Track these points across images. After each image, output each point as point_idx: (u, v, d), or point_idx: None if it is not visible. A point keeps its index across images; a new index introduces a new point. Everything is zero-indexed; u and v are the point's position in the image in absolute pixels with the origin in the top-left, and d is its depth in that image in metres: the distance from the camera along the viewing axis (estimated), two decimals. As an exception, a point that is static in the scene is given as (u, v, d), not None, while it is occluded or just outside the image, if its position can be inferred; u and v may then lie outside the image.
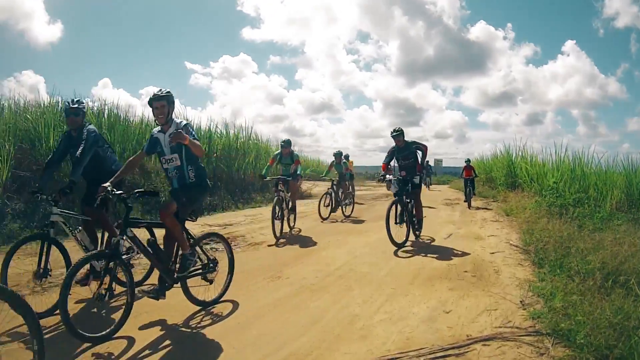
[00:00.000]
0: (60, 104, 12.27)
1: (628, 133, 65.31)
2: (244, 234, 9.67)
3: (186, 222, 4.86)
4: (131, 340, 4.06)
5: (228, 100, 70.16)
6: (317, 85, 76.21)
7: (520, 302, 5.07)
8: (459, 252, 7.90)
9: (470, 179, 17.45)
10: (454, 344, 4.01)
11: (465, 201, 17.07)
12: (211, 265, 5.13)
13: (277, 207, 9.29)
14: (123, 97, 52.52)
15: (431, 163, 34.69)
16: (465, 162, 18.42)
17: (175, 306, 4.88)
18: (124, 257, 4.59)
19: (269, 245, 8.57)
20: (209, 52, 78.49)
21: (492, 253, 7.83)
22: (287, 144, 10.64)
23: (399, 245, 8.19)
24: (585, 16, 61.34)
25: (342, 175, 14.50)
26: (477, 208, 16.00)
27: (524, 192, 16.31)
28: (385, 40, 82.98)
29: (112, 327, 4.05)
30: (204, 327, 4.48)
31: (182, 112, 19.70)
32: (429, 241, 9.11)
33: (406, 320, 4.61)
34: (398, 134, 8.62)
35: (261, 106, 71.39)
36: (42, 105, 12.33)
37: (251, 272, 6.46)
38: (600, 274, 5.11)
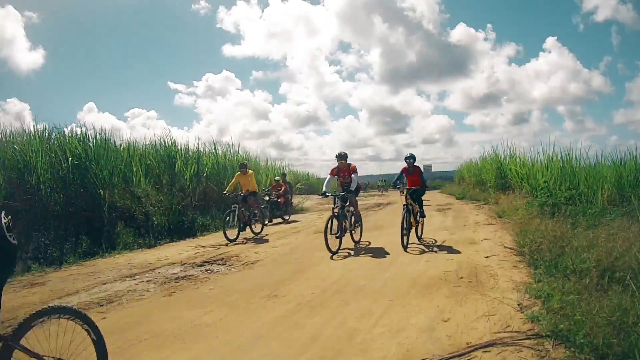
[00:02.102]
0: (46, 133, 12.31)
1: (615, 125, 66.10)
2: (238, 253, 9.60)
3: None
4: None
5: (213, 118, 70.44)
6: (301, 98, 76.66)
7: (518, 305, 5.05)
8: (454, 259, 7.89)
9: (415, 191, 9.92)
10: (455, 352, 3.98)
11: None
12: None
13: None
14: (109, 121, 52.63)
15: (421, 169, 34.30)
16: (409, 158, 10.22)
17: None
18: None
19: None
20: (192, 71, 78.88)
21: (487, 257, 7.83)
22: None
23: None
24: (564, 12, 62.32)
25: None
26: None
27: (515, 193, 16.33)
28: (366, 49, 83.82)
29: None
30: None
31: (168, 133, 19.71)
32: (423, 249, 9.05)
33: (405, 332, 4.57)
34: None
35: (247, 122, 71.68)
36: (29, 132, 12.39)
37: (247, 292, 6.40)
38: (596, 272, 5.10)
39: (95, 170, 11.46)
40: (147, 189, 13.07)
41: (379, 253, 8.65)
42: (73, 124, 13.59)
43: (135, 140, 15.96)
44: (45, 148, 11.24)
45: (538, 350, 3.85)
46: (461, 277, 6.57)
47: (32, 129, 12.55)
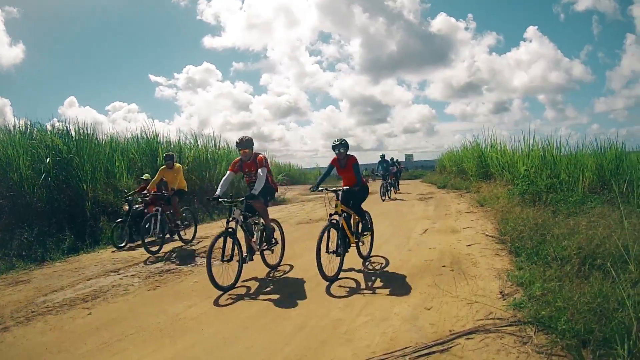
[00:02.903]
0: (28, 128, 12.14)
1: (596, 114, 67.07)
2: (221, 246, 9.47)
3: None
4: None
5: (194, 110, 70.00)
6: (282, 89, 76.46)
7: (500, 292, 5.09)
8: (436, 247, 7.93)
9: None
10: (438, 340, 4.00)
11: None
12: None
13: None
14: (90, 115, 52.00)
15: (401, 159, 33.96)
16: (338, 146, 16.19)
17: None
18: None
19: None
20: (172, 63, 78.18)
21: (469, 245, 7.87)
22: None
23: None
24: (545, 1, 62.87)
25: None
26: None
27: (497, 181, 16.44)
28: (346, 39, 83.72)
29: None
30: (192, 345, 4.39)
31: (149, 125, 19.46)
32: (405, 239, 9.05)
33: (388, 321, 4.58)
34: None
35: (228, 114, 71.42)
36: (11, 129, 12.30)
37: (231, 284, 6.36)
38: (577, 259, 5.14)
39: (77, 165, 11.28)
40: (129, 182, 12.96)
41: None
42: (55, 119, 13.45)
43: (118, 134, 15.82)
44: (27, 144, 11.09)
45: (520, 336, 3.88)
46: (443, 266, 6.61)
47: (13, 125, 12.47)
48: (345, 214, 6.77)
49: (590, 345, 3.35)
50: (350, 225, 6.84)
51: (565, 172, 12.21)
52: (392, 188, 20.55)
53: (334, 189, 6.89)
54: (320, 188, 6.94)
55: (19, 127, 12.33)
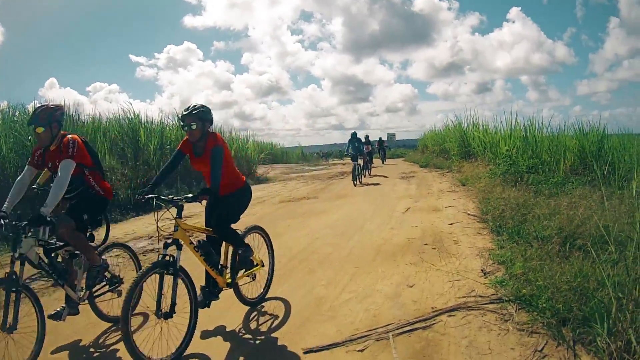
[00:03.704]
0: (10, 110, 11.95)
1: (579, 96, 67.69)
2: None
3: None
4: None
5: (176, 90, 69.19)
6: (263, 68, 75.80)
7: (482, 270, 5.14)
8: (418, 226, 7.95)
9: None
10: (420, 317, 4.04)
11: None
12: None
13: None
14: (71, 96, 51.12)
15: (384, 137, 34.28)
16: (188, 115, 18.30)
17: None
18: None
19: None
20: (153, 43, 77.10)
21: (451, 224, 7.92)
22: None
23: None
24: (529, -18, 62.67)
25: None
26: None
27: (478, 161, 16.53)
28: (328, 18, 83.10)
29: None
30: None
31: (130, 106, 19.13)
32: (388, 217, 9.10)
33: (371, 298, 4.62)
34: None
35: (209, 93, 70.88)
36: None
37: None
38: (557, 239, 5.21)
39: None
40: (112, 163, 12.75)
41: (345, 222, 8.68)
42: (35, 100, 13.05)
43: (99, 115, 15.56)
44: (8, 126, 10.89)
45: (501, 314, 3.93)
46: (425, 244, 6.64)
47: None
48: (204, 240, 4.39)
49: (570, 324, 3.41)
50: (213, 257, 4.30)
51: (547, 153, 12.30)
52: (364, 170, 18.54)
53: (173, 198, 4.02)
54: (150, 196, 3.95)
55: (1, 109, 12.10)
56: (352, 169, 16.58)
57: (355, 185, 15.91)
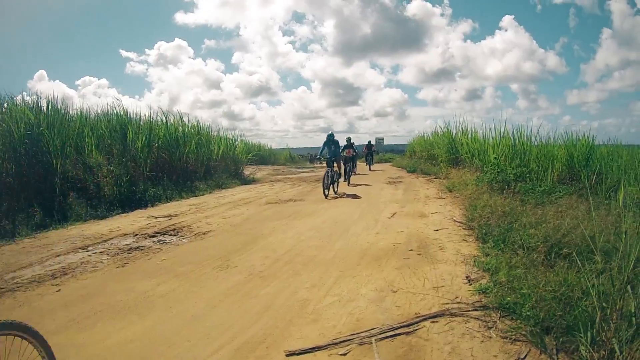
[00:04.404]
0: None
1: (568, 106, 68.16)
2: (190, 223, 9.39)
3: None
4: None
5: (165, 87, 68.62)
6: (254, 68, 75.32)
7: (466, 277, 5.13)
8: (404, 231, 7.93)
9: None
10: (404, 322, 4.02)
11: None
12: None
13: None
14: (60, 89, 50.63)
15: (373, 142, 33.51)
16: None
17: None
18: None
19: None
20: (143, 39, 76.20)
21: (437, 230, 7.92)
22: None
23: None
24: (523, -8, 63.17)
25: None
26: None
27: (466, 168, 16.55)
28: (320, 20, 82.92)
29: None
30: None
31: (118, 102, 18.86)
32: (373, 221, 9.07)
33: (355, 302, 4.58)
34: None
35: (199, 91, 70.14)
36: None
37: (200, 263, 6.32)
38: (543, 247, 5.21)
39: (47, 139, 10.89)
40: (98, 159, 12.58)
41: (330, 225, 8.65)
42: (24, 92, 12.89)
43: (88, 109, 15.39)
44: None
45: (485, 321, 3.92)
46: (411, 250, 6.63)
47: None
48: None
49: (553, 332, 3.40)
50: None
51: (535, 162, 12.34)
52: (341, 179, 15.37)
53: None
54: None
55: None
56: (324, 175, 13.72)
57: (326, 196, 13.29)
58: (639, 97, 64.92)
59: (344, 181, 16.59)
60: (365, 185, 17.25)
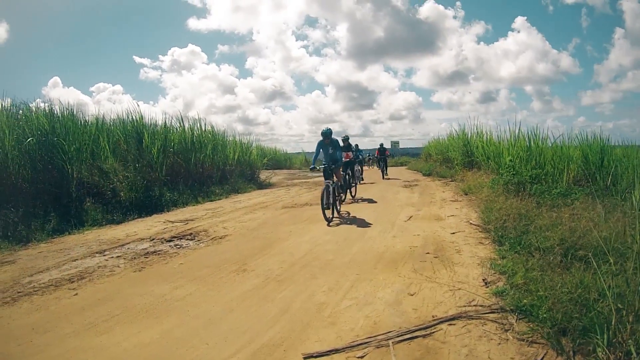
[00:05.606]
0: (14, 107, 12.08)
1: (583, 107, 67.57)
2: (207, 228, 9.50)
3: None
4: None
5: (179, 92, 69.26)
6: (267, 73, 75.76)
7: (483, 280, 5.14)
8: (420, 234, 7.96)
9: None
10: (421, 325, 4.04)
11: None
12: None
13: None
14: (74, 95, 51.29)
15: (387, 145, 31.78)
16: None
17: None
18: None
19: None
20: (157, 45, 77.10)
21: (453, 233, 7.93)
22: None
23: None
24: (534, -7, 62.70)
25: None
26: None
27: (481, 170, 16.46)
28: (333, 24, 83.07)
29: None
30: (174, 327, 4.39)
31: (134, 107, 19.07)
32: (390, 225, 9.10)
33: (372, 305, 4.62)
34: None
35: (213, 97, 70.70)
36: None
37: (217, 267, 6.37)
38: (559, 249, 5.20)
39: (63, 146, 11.04)
40: (114, 164, 12.75)
41: (346, 229, 8.69)
42: (38, 99, 13.08)
43: (103, 115, 15.57)
44: (12, 124, 10.84)
45: (502, 323, 3.94)
46: (427, 253, 6.65)
47: (-1, 104, 12.11)
48: None
49: (570, 334, 3.42)
50: None
51: (550, 164, 12.25)
52: (345, 192, 12.50)
53: None
54: None
55: (5, 107, 12.03)
56: (322, 191, 10.00)
57: (327, 220, 9.65)
58: (653, 97, 64.12)
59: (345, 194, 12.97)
60: (366, 203, 13.42)
